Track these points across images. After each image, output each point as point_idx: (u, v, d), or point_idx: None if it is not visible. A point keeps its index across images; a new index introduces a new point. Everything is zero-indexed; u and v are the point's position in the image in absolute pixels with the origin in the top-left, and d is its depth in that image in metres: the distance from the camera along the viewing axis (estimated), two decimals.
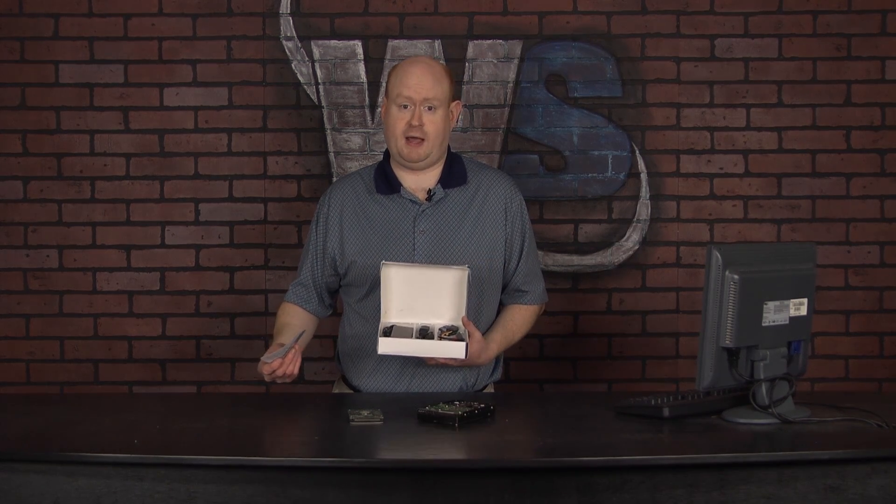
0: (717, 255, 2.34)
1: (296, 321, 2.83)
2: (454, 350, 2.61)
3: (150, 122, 3.72)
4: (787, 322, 2.42)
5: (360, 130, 3.72)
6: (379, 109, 3.66)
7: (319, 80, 3.71)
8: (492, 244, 2.81)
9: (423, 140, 2.74)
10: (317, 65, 3.71)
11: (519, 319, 2.89)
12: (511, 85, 3.72)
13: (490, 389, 2.89)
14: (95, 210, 3.72)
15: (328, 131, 3.72)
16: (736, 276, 2.32)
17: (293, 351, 2.59)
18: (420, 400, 2.51)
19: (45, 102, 3.70)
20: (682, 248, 3.76)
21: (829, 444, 2.22)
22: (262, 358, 2.59)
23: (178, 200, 3.72)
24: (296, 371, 2.60)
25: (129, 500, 2.13)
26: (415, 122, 2.73)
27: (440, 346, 2.61)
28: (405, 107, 2.75)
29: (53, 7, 3.68)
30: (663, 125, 3.74)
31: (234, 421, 2.46)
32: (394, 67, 2.85)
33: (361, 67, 3.71)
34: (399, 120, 2.76)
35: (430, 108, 2.75)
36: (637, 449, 2.20)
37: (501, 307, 2.91)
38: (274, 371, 2.58)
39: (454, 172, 2.83)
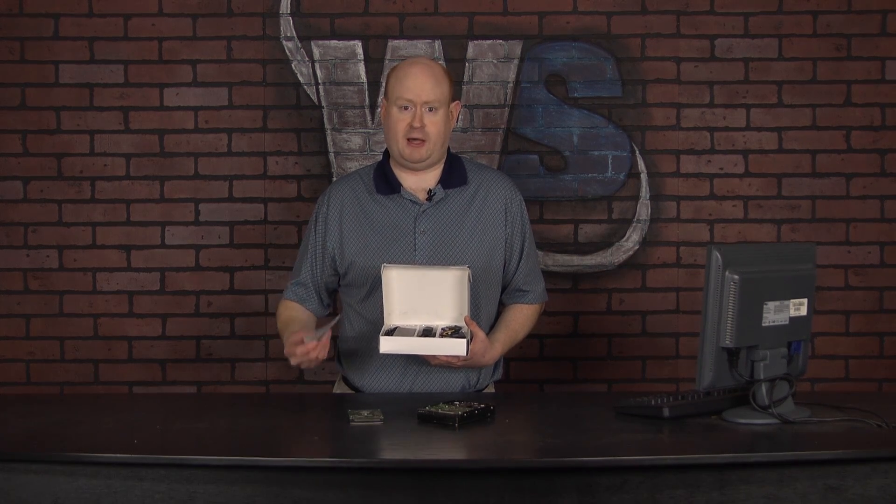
0: (717, 255, 2.34)
1: (302, 316, 2.83)
2: (455, 347, 2.61)
3: (151, 122, 3.72)
4: (787, 322, 2.42)
5: (360, 130, 3.72)
6: (379, 110, 3.66)
7: (319, 81, 3.71)
8: (492, 244, 2.81)
9: (424, 141, 2.74)
10: (317, 65, 3.71)
11: (521, 319, 2.89)
12: (511, 85, 3.72)
13: (491, 389, 2.90)
14: (95, 210, 3.72)
15: (328, 131, 3.72)
16: (736, 277, 2.32)
17: (328, 335, 2.60)
18: (420, 400, 2.51)
19: (46, 102, 3.70)
20: (682, 248, 3.76)
21: (830, 444, 2.22)
22: (296, 340, 2.59)
23: (178, 200, 3.73)
24: (325, 355, 2.61)
25: (129, 500, 2.13)
26: (416, 124, 2.73)
27: (441, 344, 2.61)
28: (405, 108, 2.75)
29: (53, 7, 3.68)
30: (663, 125, 3.74)
31: (234, 421, 2.46)
32: (393, 68, 2.85)
33: (361, 67, 3.71)
34: (400, 121, 2.76)
35: (430, 110, 2.75)
36: (637, 449, 2.20)
37: (502, 307, 2.92)
38: (308, 352, 2.57)
39: (454, 173, 2.83)
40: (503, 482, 2.14)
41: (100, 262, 3.73)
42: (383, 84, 3.63)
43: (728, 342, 2.34)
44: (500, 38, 3.72)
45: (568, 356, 3.78)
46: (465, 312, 2.65)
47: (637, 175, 3.74)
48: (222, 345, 3.74)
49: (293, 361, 2.63)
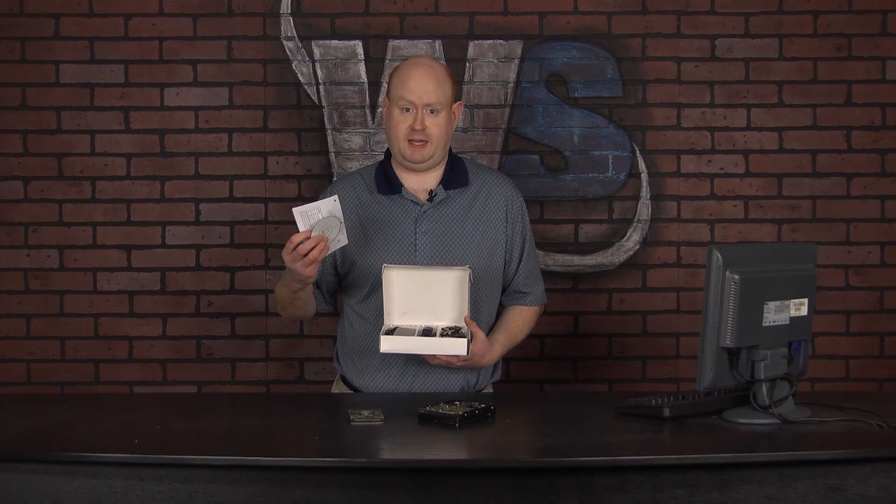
0: (717, 255, 2.34)
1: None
2: (456, 347, 2.61)
3: (151, 122, 3.72)
4: (788, 322, 2.42)
5: (360, 130, 3.72)
6: (380, 109, 3.66)
7: (320, 81, 3.71)
8: (492, 245, 2.81)
9: (426, 142, 2.74)
10: (317, 65, 3.71)
11: (521, 320, 2.89)
12: (511, 85, 3.72)
13: (489, 390, 2.89)
14: (96, 210, 3.72)
15: (329, 131, 3.72)
16: (736, 277, 2.32)
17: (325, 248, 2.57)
18: (420, 400, 2.51)
19: (46, 102, 3.70)
20: (682, 248, 3.76)
21: (830, 444, 2.22)
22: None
23: (178, 200, 3.72)
24: (319, 257, 2.56)
25: (129, 500, 2.13)
26: (417, 126, 2.73)
27: (442, 343, 2.62)
28: (407, 110, 2.75)
29: (54, 7, 3.68)
30: (664, 125, 3.74)
31: (234, 421, 2.46)
32: (395, 68, 2.84)
33: (362, 67, 3.71)
34: (401, 123, 2.75)
35: (432, 112, 2.74)
36: (637, 449, 2.20)
37: (502, 308, 2.91)
38: (307, 244, 2.54)
39: (456, 174, 2.83)
40: (503, 482, 2.14)
41: (100, 262, 3.73)
42: (385, 83, 3.63)
43: (728, 342, 2.34)
44: (500, 38, 3.72)
45: (568, 356, 3.78)
46: (466, 313, 2.66)
47: (637, 175, 3.74)
48: (222, 345, 3.74)
49: (289, 259, 2.58)
